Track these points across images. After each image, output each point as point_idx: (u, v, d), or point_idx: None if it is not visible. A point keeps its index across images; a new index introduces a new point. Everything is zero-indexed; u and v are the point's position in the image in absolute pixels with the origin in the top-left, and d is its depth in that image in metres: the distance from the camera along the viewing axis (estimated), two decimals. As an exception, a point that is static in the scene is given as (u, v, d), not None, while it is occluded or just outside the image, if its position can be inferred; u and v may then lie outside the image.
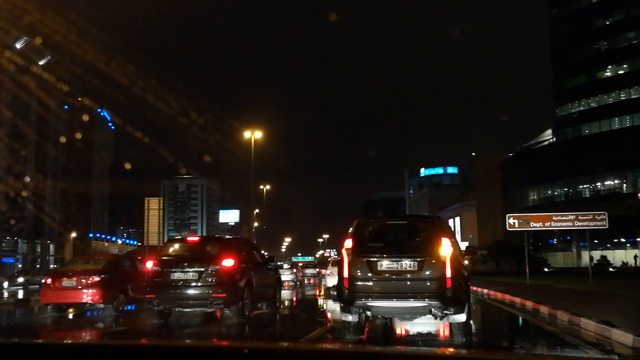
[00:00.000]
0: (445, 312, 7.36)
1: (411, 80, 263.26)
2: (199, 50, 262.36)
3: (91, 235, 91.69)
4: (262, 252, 14.23)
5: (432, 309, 7.34)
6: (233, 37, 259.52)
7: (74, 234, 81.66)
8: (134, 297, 13.08)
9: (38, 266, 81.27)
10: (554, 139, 66.92)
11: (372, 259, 7.58)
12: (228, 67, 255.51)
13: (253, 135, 39.47)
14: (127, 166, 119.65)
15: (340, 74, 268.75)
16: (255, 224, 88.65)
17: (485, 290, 18.92)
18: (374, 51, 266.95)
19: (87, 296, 12.33)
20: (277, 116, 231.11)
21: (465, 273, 8.15)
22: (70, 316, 13.05)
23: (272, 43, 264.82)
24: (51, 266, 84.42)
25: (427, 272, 7.37)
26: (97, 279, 12.47)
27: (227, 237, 15.75)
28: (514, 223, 21.19)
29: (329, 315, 12.58)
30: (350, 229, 8.19)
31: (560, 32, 63.92)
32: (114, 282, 12.78)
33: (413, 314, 7.71)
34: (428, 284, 7.34)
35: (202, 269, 10.03)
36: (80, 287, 12.38)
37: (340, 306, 8.03)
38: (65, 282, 12.60)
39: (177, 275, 10.09)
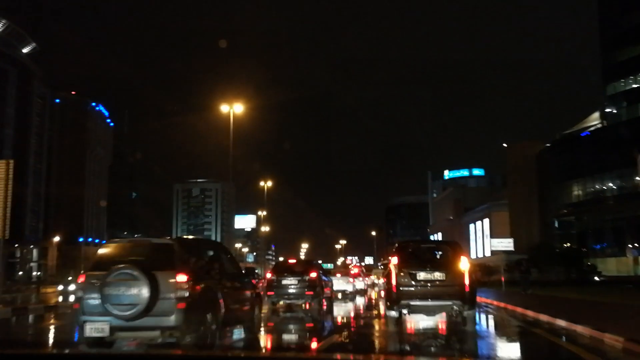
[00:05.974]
0: (463, 309, 10.58)
1: (435, 73, 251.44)
2: (208, 41, 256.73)
3: (82, 239, 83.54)
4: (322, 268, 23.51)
5: (454, 307, 10.60)
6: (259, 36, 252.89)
7: (57, 238, 73.60)
8: None
9: (20, 273, 73.60)
10: (603, 123, 56.52)
11: (413, 271, 10.86)
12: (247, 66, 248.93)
13: (232, 108, 34.83)
14: (130, 165, 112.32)
15: (361, 73, 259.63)
16: (267, 229, 79.85)
17: (593, 332, 9.23)
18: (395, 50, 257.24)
19: None
20: (292, 118, 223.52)
21: (476, 281, 13.47)
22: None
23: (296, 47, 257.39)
24: (34, 273, 76.85)
25: (452, 281, 10.72)
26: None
27: (310, 259, 24.78)
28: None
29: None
30: (394, 249, 12.43)
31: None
32: None
33: (441, 311, 11.11)
34: (453, 289, 10.64)
35: (300, 278, 17.68)
36: None
37: (387, 305, 11.36)
38: None
39: (285, 281, 17.69)
